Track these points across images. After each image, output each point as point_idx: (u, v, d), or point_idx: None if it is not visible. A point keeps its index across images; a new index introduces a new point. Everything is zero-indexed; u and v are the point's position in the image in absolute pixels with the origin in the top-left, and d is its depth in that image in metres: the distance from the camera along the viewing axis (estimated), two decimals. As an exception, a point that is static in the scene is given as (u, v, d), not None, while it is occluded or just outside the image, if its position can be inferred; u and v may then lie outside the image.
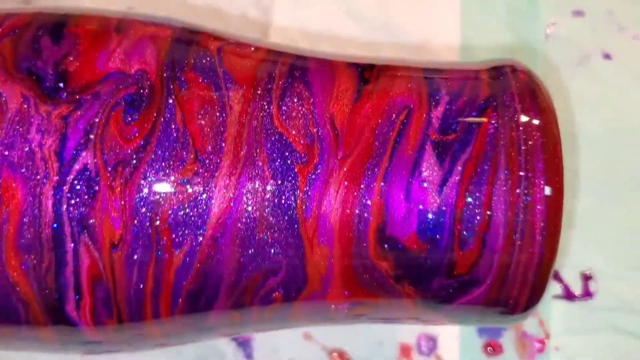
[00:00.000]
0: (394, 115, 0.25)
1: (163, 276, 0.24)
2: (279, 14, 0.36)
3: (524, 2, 0.35)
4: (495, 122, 0.25)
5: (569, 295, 0.30)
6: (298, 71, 0.26)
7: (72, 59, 0.24)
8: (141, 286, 0.24)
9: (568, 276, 0.31)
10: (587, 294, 0.30)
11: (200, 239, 0.24)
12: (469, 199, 0.24)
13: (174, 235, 0.23)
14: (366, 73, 0.27)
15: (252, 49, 0.27)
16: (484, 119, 0.25)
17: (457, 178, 0.24)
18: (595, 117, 0.33)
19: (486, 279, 0.25)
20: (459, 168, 0.24)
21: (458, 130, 0.25)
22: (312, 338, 0.30)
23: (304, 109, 0.25)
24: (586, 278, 0.30)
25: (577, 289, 0.30)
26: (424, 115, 0.25)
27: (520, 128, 0.25)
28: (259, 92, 0.25)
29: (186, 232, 0.24)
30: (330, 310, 0.26)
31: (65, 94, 0.24)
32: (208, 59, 0.26)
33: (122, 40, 0.25)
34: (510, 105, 0.26)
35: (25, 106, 0.23)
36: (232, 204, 0.24)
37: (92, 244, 0.23)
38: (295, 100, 0.25)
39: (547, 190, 0.25)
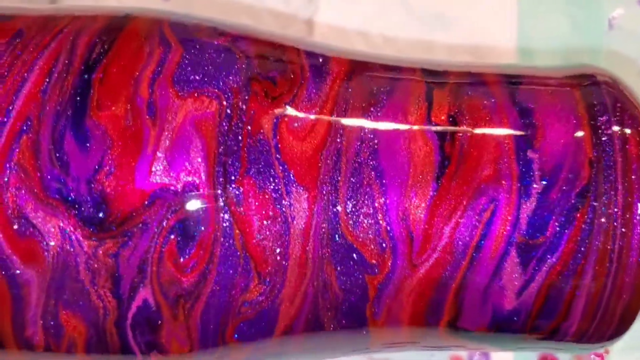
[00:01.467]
0: (477, 214, 0.22)
1: (233, 365, 0.24)
2: (325, 3, 0.30)
3: (585, -9, 0.29)
4: (590, 218, 0.22)
5: (630, 309, 0.29)
6: (367, 151, 0.22)
7: (106, 173, 0.21)
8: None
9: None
10: (650, 307, 0.29)
11: (267, 340, 0.24)
12: (549, 302, 0.23)
13: (242, 344, 0.23)
14: (447, 146, 0.23)
15: (312, 115, 0.23)
16: (578, 215, 0.22)
17: (538, 284, 0.23)
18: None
19: (563, 340, 0.25)
20: (543, 275, 0.23)
21: (547, 232, 0.22)
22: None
23: (374, 209, 0.22)
24: (649, 290, 0.29)
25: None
26: (512, 213, 0.22)
27: (618, 232, 0.22)
28: (323, 193, 0.22)
29: (254, 338, 0.23)
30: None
31: (108, 224, 0.21)
32: (263, 149, 0.22)
33: (161, 135, 0.21)
34: (609, 195, 0.22)
35: (68, 245, 0.21)
36: (298, 313, 0.23)
37: (162, 357, 0.23)
38: (366, 199, 0.22)
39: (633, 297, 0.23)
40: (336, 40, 0.30)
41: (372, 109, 0.23)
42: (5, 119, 0.21)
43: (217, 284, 0.22)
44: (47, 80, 0.22)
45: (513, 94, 0.24)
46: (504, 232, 0.22)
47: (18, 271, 0.21)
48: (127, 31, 0.23)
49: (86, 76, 0.22)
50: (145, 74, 0.22)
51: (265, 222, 0.22)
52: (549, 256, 0.22)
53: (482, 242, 0.22)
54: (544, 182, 0.22)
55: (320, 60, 0.24)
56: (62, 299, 0.21)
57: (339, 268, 0.22)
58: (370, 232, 0.22)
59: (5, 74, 0.22)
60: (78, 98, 0.21)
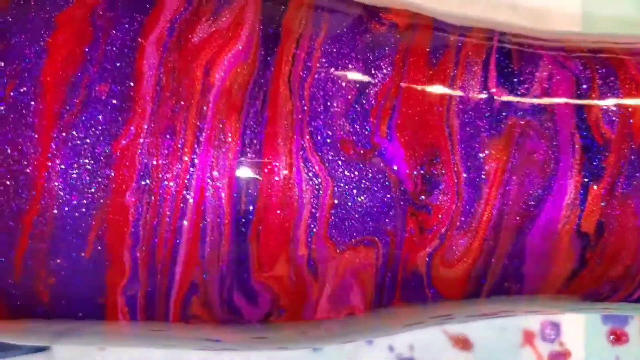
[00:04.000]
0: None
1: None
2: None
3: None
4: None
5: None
6: (513, 266, 0.24)
7: (275, 317, 0.24)
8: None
9: None
10: None
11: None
12: None
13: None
14: (588, 252, 0.25)
15: (466, 241, 0.24)
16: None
17: None
18: None
19: None
20: None
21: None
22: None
23: (510, 301, 0.26)
24: None
25: None
26: (630, 292, 0.26)
27: None
28: (468, 303, 0.25)
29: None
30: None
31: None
32: (416, 282, 0.24)
33: (323, 288, 0.24)
34: None
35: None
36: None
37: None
38: (503, 302, 0.25)
39: None
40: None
41: (525, 221, 0.23)
42: (171, 283, 0.22)
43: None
44: (202, 246, 0.22)
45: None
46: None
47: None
48: (267, 163, 0.21)
49: (242, 241, 0.22)
50: (301, 232, 0.22)
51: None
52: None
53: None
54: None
55: (478, 161, 0.23)
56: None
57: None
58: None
59: (154, 237, 0.22)
60: (237, 262, 0.22)
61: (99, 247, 0.21)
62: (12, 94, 0.21)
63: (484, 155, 0.22)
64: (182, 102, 0.21)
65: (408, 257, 0.22)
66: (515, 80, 0.23)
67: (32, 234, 0.21)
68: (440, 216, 0.22)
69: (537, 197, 0.22)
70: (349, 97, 0.22)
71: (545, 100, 0.23)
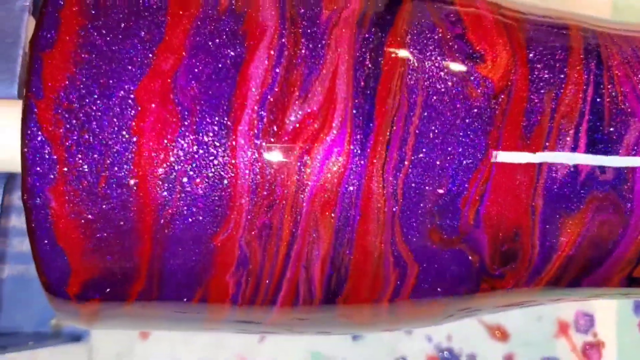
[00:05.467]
0: None
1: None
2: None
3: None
4: None
5: None
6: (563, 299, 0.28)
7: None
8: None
9: None
10: None
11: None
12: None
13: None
14: (633, 287, 0.28)
15: (526, 292, 0.26)
16: None
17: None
18: None
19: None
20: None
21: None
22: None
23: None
24: None
25: None
26: None
27: None
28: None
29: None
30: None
31: None
32: (477, 310, 0.28)
33: (399, 320, 0.27)
34: None
35: None
36: None
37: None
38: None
39: None
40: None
41: (583, 275, 0.26)
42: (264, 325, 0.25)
43: None
44: (293, 310, 0.24)
45: None
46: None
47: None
48: (357, 255, 0.23)
49: (330, 306, 0.24)
50: (384, 299, 0.24)
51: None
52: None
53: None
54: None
55: (555, 235, 0.24)
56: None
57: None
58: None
59: (251, 305, 0.24)
60: (325, 316, 0.25)
61: (201, 306, 0.23)
62: (105, 188, 0.21)
63: (561, 229, 0.23)
64: (278, 201, 0.21)
65: (476, 305, 0.25)
66: (603, 147, 0.23)
67: (137, 300, 0.23)
68: (511, 280, 0.24)
69: (600, 258, 0.24)
70: (442, 188, 0.22)
71: (627, 169, 0.23)
